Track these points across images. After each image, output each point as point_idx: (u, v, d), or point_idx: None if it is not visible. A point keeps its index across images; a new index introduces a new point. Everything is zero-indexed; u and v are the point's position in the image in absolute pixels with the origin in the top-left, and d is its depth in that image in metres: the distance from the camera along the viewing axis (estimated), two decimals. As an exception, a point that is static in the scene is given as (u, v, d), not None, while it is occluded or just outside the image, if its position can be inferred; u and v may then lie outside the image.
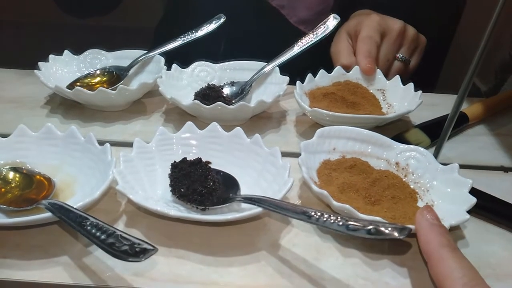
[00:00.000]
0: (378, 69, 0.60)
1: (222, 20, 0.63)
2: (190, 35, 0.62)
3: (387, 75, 0.60)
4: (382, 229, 0.31)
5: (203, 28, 0.62)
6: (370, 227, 0.31)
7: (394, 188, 0.44)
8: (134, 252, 0.31)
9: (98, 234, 0.33)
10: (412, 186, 0.45)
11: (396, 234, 0.30)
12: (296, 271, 0.38)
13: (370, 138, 0.48)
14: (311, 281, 0.37)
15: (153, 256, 0.32)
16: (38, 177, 0.44)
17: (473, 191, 0.41)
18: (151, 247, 0.31)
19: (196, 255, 0.38)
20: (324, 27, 0.59)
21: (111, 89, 0.55)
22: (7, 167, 0.45)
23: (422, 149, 0.47)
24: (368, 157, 0.48)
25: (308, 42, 0.59)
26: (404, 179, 0.46)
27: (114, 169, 0.41)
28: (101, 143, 0.45)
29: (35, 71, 0.56)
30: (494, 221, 0.43)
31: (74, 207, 0.37)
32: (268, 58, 0.60)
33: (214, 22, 0.62)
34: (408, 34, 0.62)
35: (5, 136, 0.47)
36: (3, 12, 0.89)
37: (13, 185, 0.43)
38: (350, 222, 0.32)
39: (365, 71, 0.58)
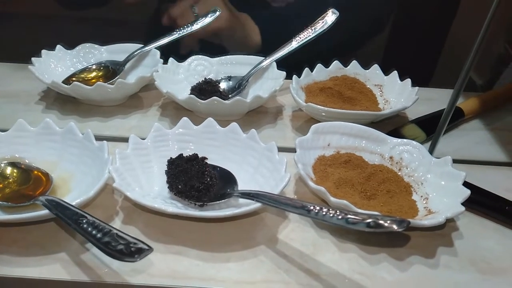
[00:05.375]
0: (376, 65, 0.60)
1: (217, 13, 0.62)
2: (186, 29, 0.61)
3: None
4: (381, 222, 0.31)
5: (198, 21, 0.62)
6: (369, 220, 0.31)
7: (389, 182, 0.44)
8: (129, 252, 0.31)
9: (94, 232, 0.33)
10: (406, 180, 0.45)
11: (395, 227, 0.31)
12: (293, 265, 0.38)
13: (363, 133, 0.48)
14: (308, 276, 0.37)
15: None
16: (36, 172, 0.44)
17: (468, 186, 0.41)
18: (147, 247, 0.31)
19: (193, 251, 0.39)
20: (323, 22, 0.59)
21: (108, 84, 0.54)
22: (5, 162, 0.45)
23: (415, 142, 0.47)
24: (362, 152, 0.48)
25: (306, 37, 0.58)
26: (398, 173, 0.46)
27: (111, 166, 0.41)
28: (99, 138, 0.45)
29: (29, 66, 0.56)
30: (489, 216, 0.43)
31: (71, 204, 0.37)
32: (266, 52, 0.59)
33: (209, 15, 0.62)
34: None
35: (0, 131, 0.47)
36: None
37: (10, 180, 0.43)
38: (349, 216, 0.32)
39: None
